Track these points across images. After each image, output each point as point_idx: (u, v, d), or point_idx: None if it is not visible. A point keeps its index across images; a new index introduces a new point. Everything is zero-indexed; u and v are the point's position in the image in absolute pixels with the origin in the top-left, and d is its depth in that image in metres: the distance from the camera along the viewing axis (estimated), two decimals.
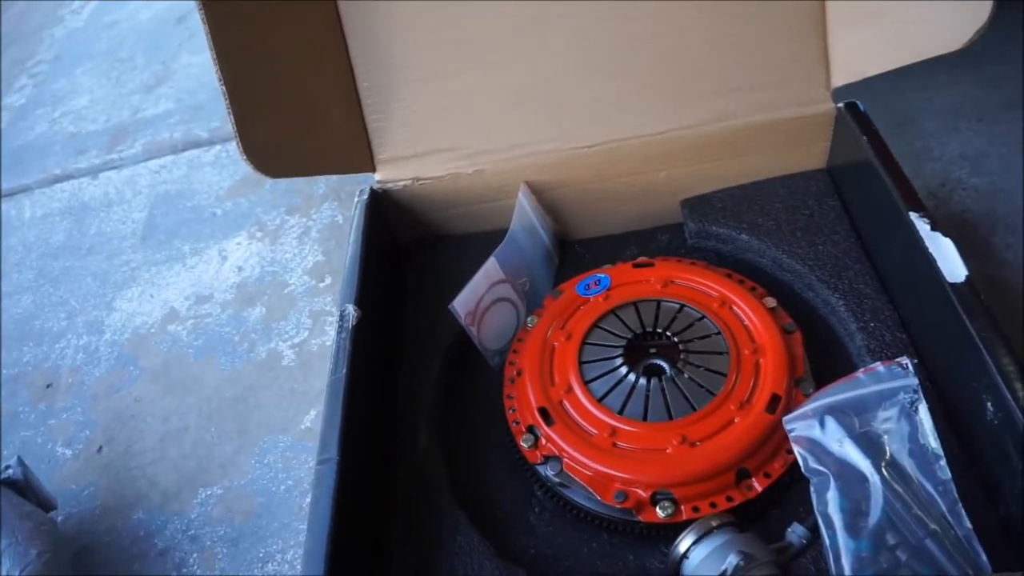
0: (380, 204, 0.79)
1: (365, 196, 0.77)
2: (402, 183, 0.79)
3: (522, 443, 0.63)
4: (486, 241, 0.74)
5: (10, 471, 0.77)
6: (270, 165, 0.70)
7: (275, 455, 0.86)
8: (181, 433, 0.91)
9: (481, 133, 0.79)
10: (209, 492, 0.84)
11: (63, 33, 1.81)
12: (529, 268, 0.76)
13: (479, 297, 0.70)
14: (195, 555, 0.79)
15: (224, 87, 0.65)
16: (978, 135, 1.00)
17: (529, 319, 0.72)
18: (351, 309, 0.66)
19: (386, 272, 0.78)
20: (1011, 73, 1.05)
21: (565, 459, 0.60)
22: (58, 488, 0.87)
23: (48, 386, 1.01)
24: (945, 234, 0.60)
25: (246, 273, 1.09)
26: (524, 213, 0.77)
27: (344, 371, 0.62)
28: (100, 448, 0.92)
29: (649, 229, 0.84)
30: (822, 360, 0.67)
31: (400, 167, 0.80)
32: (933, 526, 0.49)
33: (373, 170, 0.80)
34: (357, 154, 0.79)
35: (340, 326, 0.65)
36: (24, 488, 0.77)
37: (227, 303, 1.06)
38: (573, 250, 0.84)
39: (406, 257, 0.83)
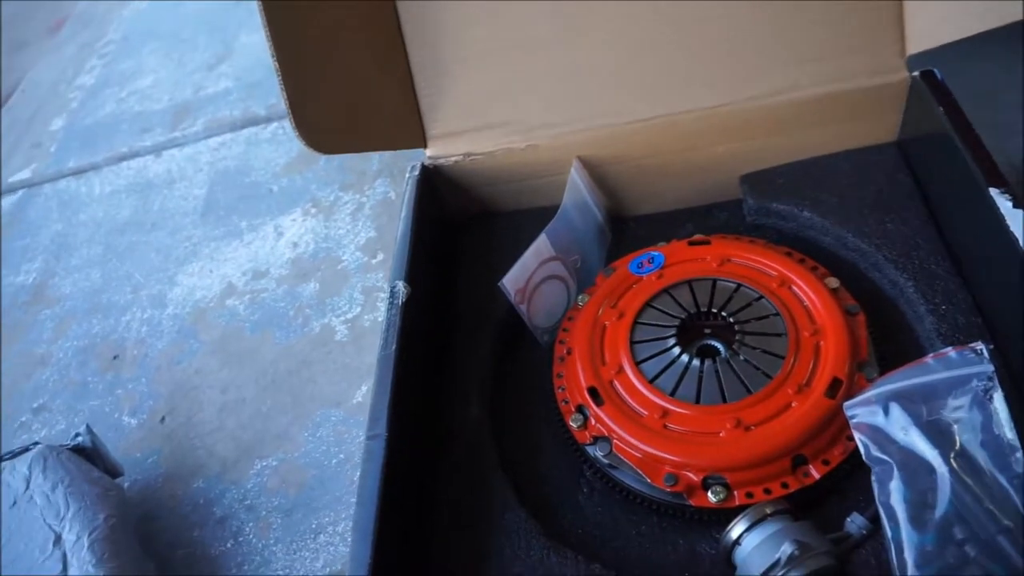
0: (431, 180, 0.79)
1: (416, 172, 0.77)
2: (453, 159, 0.79)
3: (571, 423, 0.62)
4: (538, 217, 0.73)
5: (80, 438, 0.80)
6: (323, 142, 0.70)
7: (328, 429, 0.88)
8: (239, 405, 0.93)
9: (534, 108, 0.77)
10: (265, 463, 0.86)
11: (130, 14, 1.86)
12: (581, 245, 0.75)
13: (529, 274, 0.69)
14: (251, 524, 0.81)
15: (277, 65, 0.65)
16: None
17: (580, 297, 0.70)
18: (401, 286, 0.66)
19: (437, 248, 0.78)
20: None
21: (614, 440, 0.59)
22: (123, 456, 0.90)
23: (115, 357, 1.05)
24: None
25: (301, 249, 1.11)
26: (576, 189, 0.76)
27: (393, 348, 0.62)
28: (163, 418, 0.95)
29: (706, 206, 0.81)
30: (888, 344, 0.64)
31: (452, 143, 0.79)
32: (1006, 522, 0.47)
33: (424, 146, 0.79)
34: (409, 130, 0.78)
35: (390, 302, 0.65)
36: (92, 455, 0.80)
37: (282, 278, 1.07)
38: (627, 227, 0.82)
39: (457, 233, 0.82)
